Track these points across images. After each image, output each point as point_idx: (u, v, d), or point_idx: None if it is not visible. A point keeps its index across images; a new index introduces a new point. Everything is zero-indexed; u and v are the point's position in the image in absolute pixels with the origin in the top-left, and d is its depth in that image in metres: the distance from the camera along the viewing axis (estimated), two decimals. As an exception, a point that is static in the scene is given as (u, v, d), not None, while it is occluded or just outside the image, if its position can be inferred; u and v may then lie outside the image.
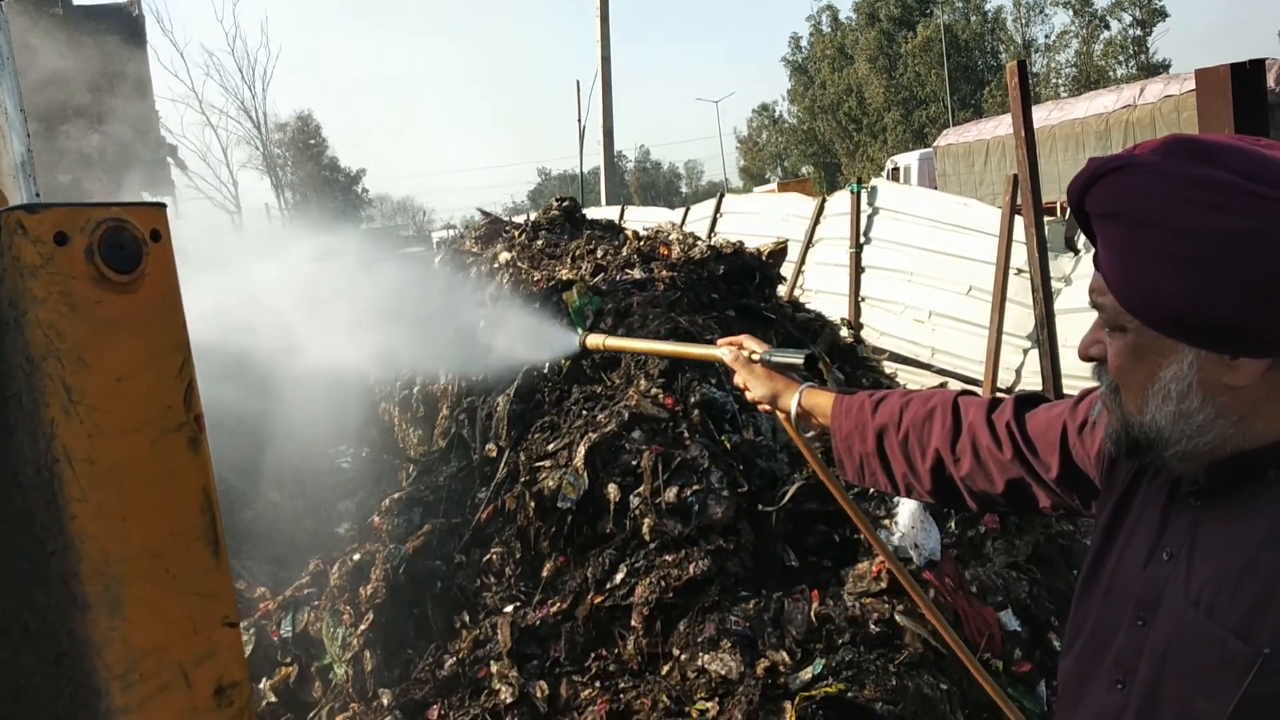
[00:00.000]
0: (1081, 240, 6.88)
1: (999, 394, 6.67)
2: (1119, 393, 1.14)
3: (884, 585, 3.33)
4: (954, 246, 7.83)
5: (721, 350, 1.96)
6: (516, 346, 4.20)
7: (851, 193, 8.88)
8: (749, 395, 1.92)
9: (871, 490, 3.69)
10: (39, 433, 0.89)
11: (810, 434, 1.97)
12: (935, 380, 7.40)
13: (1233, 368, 1.03)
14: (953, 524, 3.68)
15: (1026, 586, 3.62)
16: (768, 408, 1.90)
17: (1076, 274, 6.81)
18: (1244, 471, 1.07)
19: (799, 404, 1.82)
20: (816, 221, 9.50)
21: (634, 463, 3.74)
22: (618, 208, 15.81)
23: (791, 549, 3.61)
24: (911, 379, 7.30)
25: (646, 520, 3.56)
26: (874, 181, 9.52)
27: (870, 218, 8.80)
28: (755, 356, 1.89)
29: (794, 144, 55.45)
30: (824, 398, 1.80)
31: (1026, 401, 1.53)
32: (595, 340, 2.51)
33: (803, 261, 9.47)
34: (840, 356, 5.21)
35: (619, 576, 3.52)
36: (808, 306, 5.91)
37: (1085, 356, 1.19)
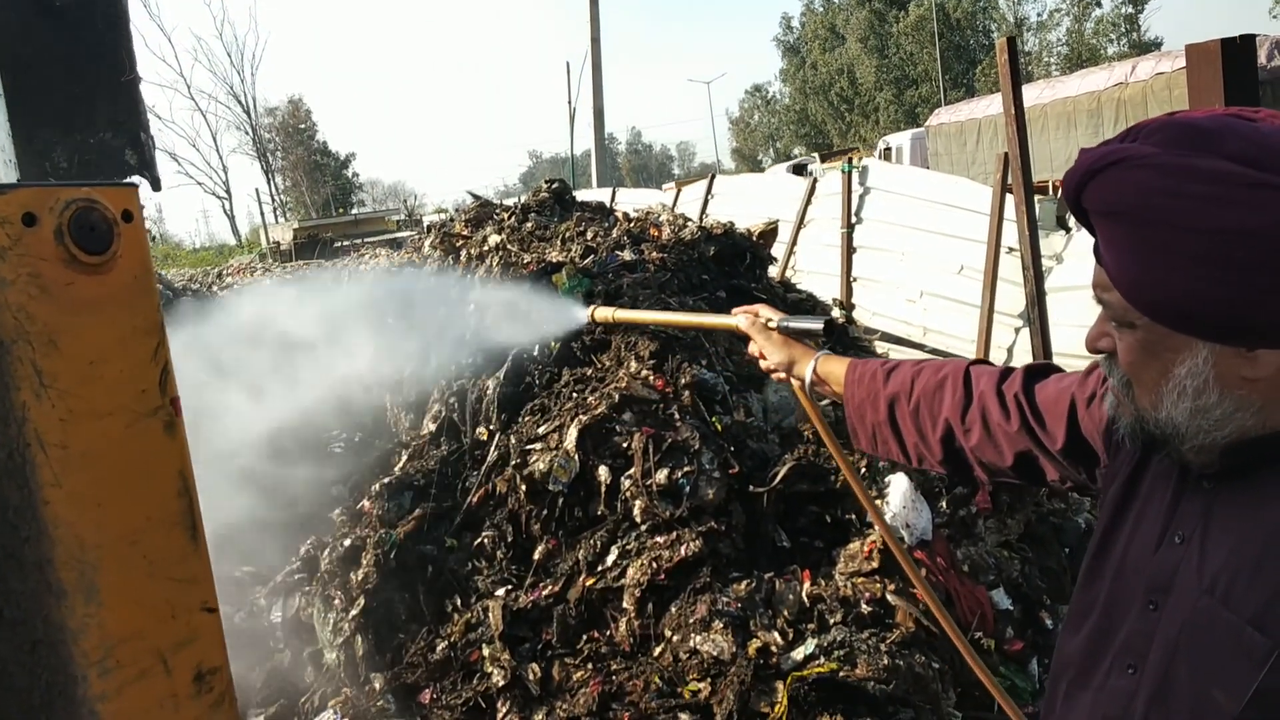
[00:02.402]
0: (1073, 219, 6.88)
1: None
2: (1132, 387, 1.11)
3: (875, 565, 3.34)
4: (945, 225, 7.82)
5: (738, 318, 1.94)
6: (519, 327, 4.16)
7: (843, 173, 8.86)
8: (764, 364, 1.90)
9: (863, 469, 3.69)
10: (10, 417, 0.88)
11: (824, 402, 1.94)
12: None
13: (1251, 360, 0.99)
14: (944, 503, 3.68)
15: (1018, 565, 3.63)
16: (782, 376, 1.88)
17: (1068, 252, 6.82)
18: (1259, 456, 1.04)
19: (814, 371, 1.80)
20: (808, 202, 9.48)
21: (625, 445, 3.73)
22: (609, 190, 15.78)
23: (783, 530, 3.61)
24: (903, 359, 7.30)
25: (638, 502, 3.55)
26: (865, 161, 9.49)
27: (862, 197, 8.78)
28: (772, 323, 1.87)
29: (786, 125, 55.35)
30: (838, 365, 1.78)
31: (1037, 372, 1.50)
32: (604, 313, 2.43)
33: (794, 242, 9.46)
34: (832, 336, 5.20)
35: (610, 559, 3.52)
36: (799, 287, 5.90)
37: (1093, 349, 1.16)
